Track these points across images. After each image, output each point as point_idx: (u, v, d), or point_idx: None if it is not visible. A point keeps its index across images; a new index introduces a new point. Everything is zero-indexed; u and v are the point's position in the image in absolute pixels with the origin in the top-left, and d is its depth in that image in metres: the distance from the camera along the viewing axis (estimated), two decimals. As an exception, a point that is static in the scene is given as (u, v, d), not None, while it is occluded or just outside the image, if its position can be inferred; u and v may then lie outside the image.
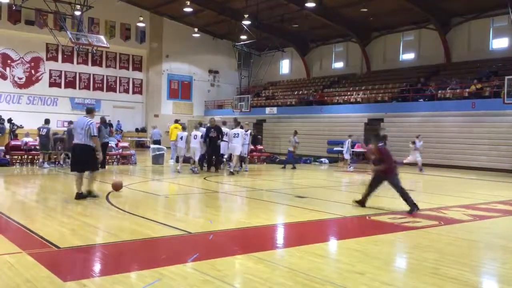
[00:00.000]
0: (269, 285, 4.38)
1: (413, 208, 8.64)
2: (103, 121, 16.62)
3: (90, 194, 9.39)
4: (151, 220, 7.43)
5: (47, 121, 16.79)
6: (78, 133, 9.26)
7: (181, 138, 16.23)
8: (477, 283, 4.92)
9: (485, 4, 24.79)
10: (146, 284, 4.33)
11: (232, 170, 16.10)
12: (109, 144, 18.49)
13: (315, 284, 4.45)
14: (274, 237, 6.97)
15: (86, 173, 9.66)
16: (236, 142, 16.40)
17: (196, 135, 15.87)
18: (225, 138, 16.68)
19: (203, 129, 16.50)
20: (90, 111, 9.75)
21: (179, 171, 15.76)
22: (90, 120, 9.28)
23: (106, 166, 17.70)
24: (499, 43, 25.92)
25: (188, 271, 4.80)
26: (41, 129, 16.39)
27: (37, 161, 16.94)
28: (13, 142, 17.58)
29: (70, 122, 17.03)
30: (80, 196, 9.21)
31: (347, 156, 21.00)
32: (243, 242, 6.41)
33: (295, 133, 20.43)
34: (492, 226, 7.97)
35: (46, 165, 16.43)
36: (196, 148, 15.82)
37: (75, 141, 9.40)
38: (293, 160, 20.24)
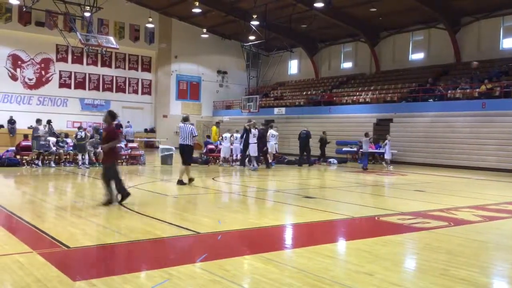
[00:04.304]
0: (277, 286, 4.38)
1: (117, 199, 8.54)
2: (96, 130, 18.45)
3: (182, 183, 12.21)
4: (160, 220, 7.46)
5: (80, 128, 17.89)
6: (185, 136, 12.23)
7: (236, 138, 19.64)
8: (487, 284, 4.89)
9: (495, 3, 24.60)
10: (155, 284, 4.34)
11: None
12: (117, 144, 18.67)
13: (324, 285, 4.44)
14: (283, 238, 6.97)
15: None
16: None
17: (226, 137, 19.62)
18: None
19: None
20: (187, 119, 12.77)
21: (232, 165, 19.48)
22: (191, 126, 12.45)
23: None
24: (509, 43, 25.68)
25: (197, 271, 4.81)
26: (78, 134, 17.19)
27: (47, 162, 17.12)
28: (23, 143, 17.71)
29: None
30: (181, 183, 12.18)
31: (388, 156, 21.55)
32: (251, 243, 6.41)
33: (367, 135, 20.73)
34: (502, 227, 7.90)
35: (53, 164, 17.02)
36: (226, 147, 19.65)
37: (180, 142, 12.43)
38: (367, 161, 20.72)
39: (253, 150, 18.46)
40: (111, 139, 8.79)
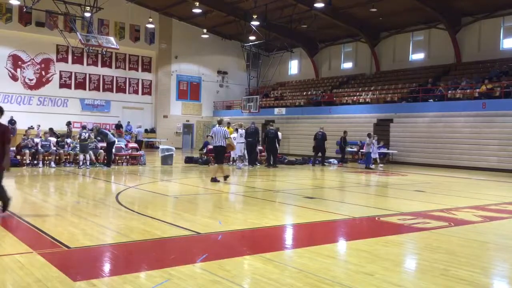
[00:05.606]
0: (277, 286, 4.38)
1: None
2: (96, 130, 18.32)
3: (226, 179, 13.35)
4: (160, 220, 7.46)
5: (84, 127, 18.06)
6: (219, 138, 13.47)
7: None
8: (487, 284, 4.89)
9: (495, 3, 24.60)
10: (156, 284, 4.34)
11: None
12: (118, 145, 18.70)
13: (324, 285, 4.44)
14: (283, 238, 6.97)
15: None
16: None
17: (234, 137, 19.10)
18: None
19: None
20: (221, 122, 14.18)
21: (240, 167, 19.03)
22: (224, 129, 13.82)
23: (116, 167, 17.83)
24: (510, 43, 25.67)
25: (197, 271, 4.81)
26: (81, 134, 17.19)
27: (47, 162, 17.17)
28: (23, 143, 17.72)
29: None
30: (214, 180, 13.16)
31: (374, 155, 21.74)
32: (252, 243, 6.42)
33: (370, 135, 21.24)
34: (503, 227, 7.89)
35: (53, 164, 17.19)
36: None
37: (215, 143, 13.69)
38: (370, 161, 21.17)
39: (238, 150, 19.24)
40: (6, 141, 7.31)
